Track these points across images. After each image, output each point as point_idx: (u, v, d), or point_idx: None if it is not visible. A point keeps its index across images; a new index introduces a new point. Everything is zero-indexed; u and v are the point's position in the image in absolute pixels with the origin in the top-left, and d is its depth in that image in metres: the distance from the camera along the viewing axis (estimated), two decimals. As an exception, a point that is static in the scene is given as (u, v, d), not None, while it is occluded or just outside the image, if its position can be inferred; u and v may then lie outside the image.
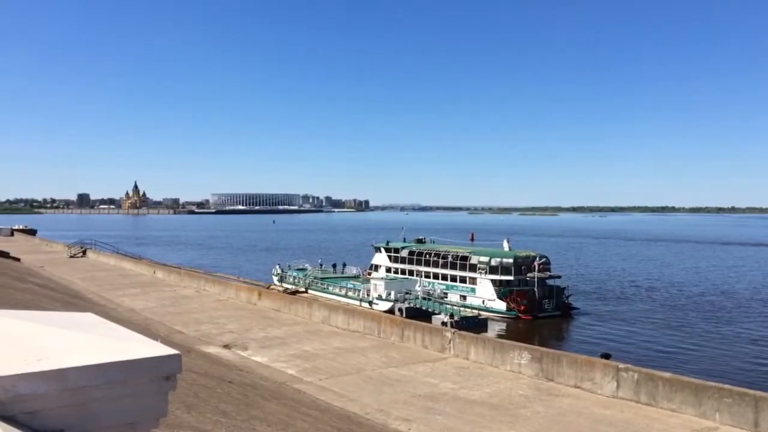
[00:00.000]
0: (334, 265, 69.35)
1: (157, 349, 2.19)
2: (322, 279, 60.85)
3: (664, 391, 18.39)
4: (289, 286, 60.46)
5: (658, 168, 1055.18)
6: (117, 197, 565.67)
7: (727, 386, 18.03)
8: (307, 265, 67.10)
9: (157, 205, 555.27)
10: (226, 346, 26.37)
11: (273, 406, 13.88)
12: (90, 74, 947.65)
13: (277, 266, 67.52)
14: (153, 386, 2.14)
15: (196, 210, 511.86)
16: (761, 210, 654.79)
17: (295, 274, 64.13)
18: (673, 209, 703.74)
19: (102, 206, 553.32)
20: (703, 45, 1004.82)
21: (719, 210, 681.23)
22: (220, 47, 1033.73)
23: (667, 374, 19.06)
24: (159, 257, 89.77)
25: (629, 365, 20.20)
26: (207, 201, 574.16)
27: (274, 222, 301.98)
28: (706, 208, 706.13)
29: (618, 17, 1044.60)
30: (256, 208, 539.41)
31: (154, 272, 55.84)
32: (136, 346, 2.20)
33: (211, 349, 25.14)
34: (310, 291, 58.43)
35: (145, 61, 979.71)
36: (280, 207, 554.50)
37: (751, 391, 17.33)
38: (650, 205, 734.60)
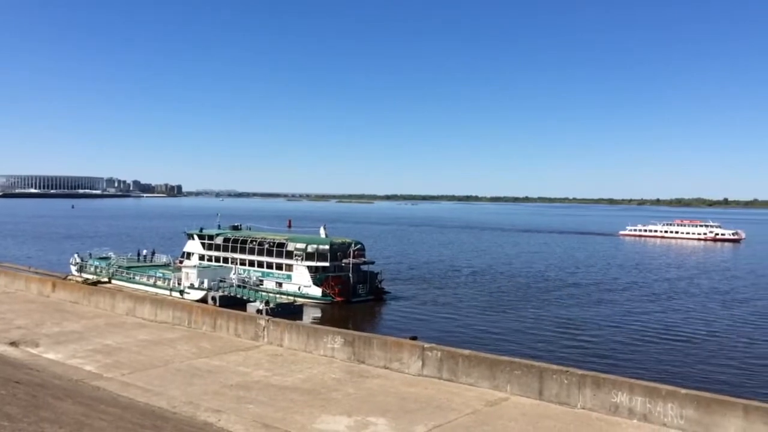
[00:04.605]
0: (139, 254, 65.45)
1: None
2: (128, 268, 57.33)
3: (463, 367, 19.79)
4: (90, 276, 56.29)
5: (462, 159, 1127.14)
6: None
7: (517, 360, 19.85)
8: (110, 254, 62.70)
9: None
10: (12, 344, 23.80)
11: (67, 406, 12.79)
12: None
13: (76, 255, 62.42)
14: None
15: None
16: (550, 200, 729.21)
17: (96, 263, 59.73)
18: (477, 198, 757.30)
19: None
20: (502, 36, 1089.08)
21: (515, 199, 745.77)
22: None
23: (466, 351, 20.52)
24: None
25: (434, 345, 21.44)
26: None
27: (73, 207, 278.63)
28: (504, 197, 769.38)
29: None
30: (53, 191, 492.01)
31: (-77, 263, 48.73)
32: None
33: (-6, 348, 22.53)
34: (113, 281, 54.78)
35: None
36: (81, 191, 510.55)
37: (537, 363, 19.25)
38: (456, 194, 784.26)
